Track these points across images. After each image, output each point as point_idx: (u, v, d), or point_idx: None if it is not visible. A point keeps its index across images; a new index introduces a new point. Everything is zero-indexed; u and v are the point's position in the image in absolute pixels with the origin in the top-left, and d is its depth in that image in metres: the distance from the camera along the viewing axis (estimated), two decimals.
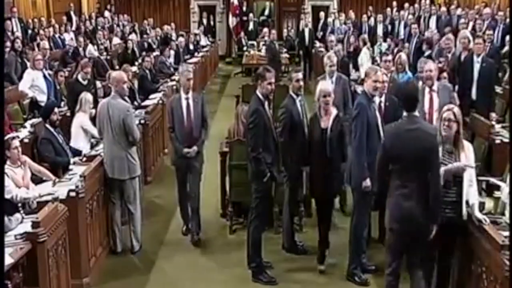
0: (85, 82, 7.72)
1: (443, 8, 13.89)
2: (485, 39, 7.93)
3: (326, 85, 5.14)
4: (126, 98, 5.82)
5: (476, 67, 7.11)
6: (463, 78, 7.27)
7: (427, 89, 5.71)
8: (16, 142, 5.02)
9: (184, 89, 5.65)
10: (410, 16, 13.97)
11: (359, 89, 7.09)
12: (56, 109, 6.06)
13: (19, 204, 4.73)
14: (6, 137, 5.08)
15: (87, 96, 6.76)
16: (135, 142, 5.57)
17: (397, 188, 4.07)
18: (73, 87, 7.61)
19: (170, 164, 5.83)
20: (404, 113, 4.17)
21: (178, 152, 5.68)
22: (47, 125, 5.95)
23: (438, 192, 3.97)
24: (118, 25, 16.30)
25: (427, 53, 8.88)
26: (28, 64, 8.68)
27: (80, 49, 11.45)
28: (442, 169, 4.05)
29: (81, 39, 11.92)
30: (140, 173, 5.81)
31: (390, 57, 6.99)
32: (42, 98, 7.73)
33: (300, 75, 5.33)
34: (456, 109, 4.16)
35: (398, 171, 4.08)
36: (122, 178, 5.46)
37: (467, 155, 4.13)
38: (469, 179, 4.12)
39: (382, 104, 5.36)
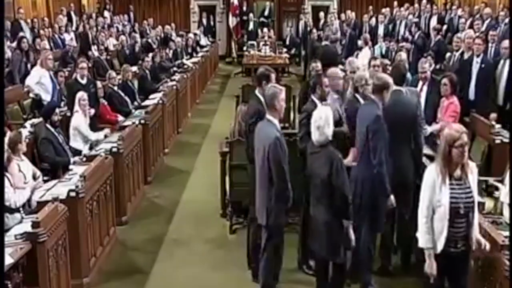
0: (84, 82, 7.71)
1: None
2: (488, 39, 7.91)
3: None
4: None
5: (476, 67, 7.11)
6: (462, 78, 7.26)
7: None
8: (23, 136, 5.19)
9: (277, 117, 4.34)
10: (410, 16, 13.96)
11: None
12: (56, 109, 6.07)
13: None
14: (9, 135, 5.16)
15: (79, 95, 6.75)
16: None
17: None
18: (72, 87, 7.60)
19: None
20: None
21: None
22: (48, 125, 5.95)
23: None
24: (115, 25, 16.25)
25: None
26: (38, 62, 8.63)
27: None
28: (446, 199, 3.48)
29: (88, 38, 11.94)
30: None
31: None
32: (47, 98, 7.77)
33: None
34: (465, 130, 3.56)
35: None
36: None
37: (474, 177, 3.60)
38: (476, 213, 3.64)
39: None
